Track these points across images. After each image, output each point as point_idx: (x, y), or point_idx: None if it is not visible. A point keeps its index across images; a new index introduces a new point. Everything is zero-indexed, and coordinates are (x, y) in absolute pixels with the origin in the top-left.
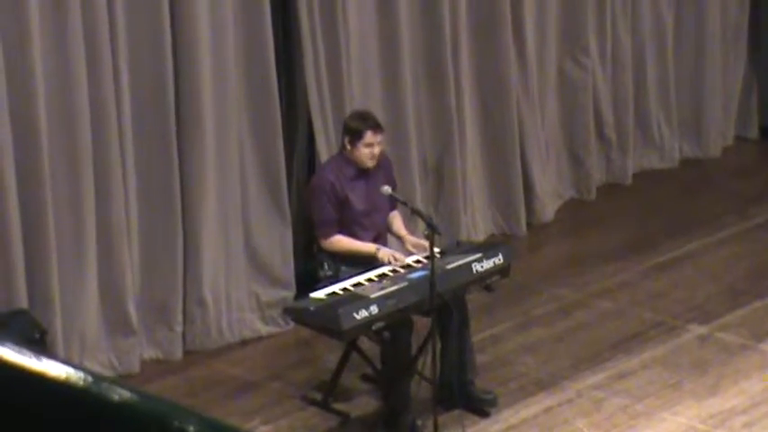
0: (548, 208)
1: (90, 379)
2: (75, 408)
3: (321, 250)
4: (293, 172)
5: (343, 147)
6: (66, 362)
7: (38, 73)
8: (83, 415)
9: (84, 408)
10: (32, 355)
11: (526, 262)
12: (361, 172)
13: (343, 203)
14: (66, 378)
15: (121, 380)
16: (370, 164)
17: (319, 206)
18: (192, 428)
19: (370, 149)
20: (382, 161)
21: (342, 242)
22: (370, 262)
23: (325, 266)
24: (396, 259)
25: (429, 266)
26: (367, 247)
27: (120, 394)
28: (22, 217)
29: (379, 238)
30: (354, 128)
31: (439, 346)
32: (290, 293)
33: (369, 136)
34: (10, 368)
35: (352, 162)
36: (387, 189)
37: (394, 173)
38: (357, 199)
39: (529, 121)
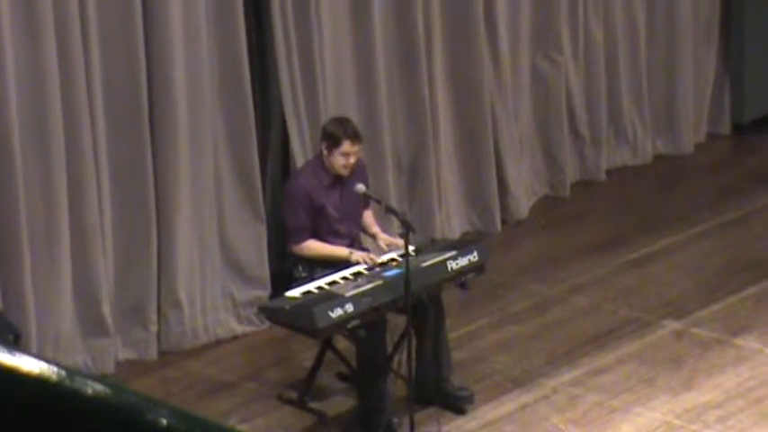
0: (522, 205)
1: (63, 373)
2: (49, 402)
3: (294, 255)
4: (268, 171)
5: (321, 151)
6: (40, 357)
7: (10, 75)
8: (56, 409)
9: (57, 402)
10: (6, 351)
11: (501, 259)
12: (336, 179)
13: (318, 212)
14: (40, 372)
15: None
16: (343, 172)
17: (292, 213)
18: (164, 421)
19: (345, 158)
20: (357, 166)
21: (314, 247)
22: (346, 265)
23: (300, 267)
24: (370, 260)
25: (404, 264)
26: (339, 251)
27: (93, 388)
28: None
29: (353, 245)
30: (332, 134)
31: (414, 343)
32: (265, 293)
33: (347, 145)
34: None
35: (328, 168)
36: (360, 187)
37: (368, 177)
38: (332, 207)
39: (502, 119)
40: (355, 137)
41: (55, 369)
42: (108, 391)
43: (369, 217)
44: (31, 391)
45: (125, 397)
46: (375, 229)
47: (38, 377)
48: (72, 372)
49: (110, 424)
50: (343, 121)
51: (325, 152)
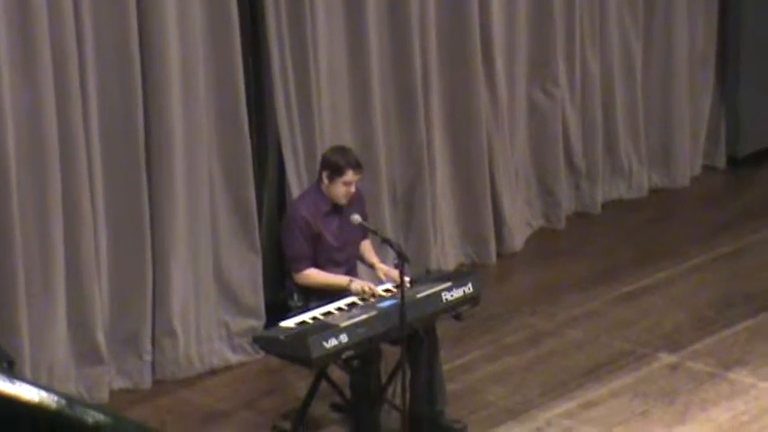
0: (517, 237)
1: (63, 402)
2: (50, 430)
3: (293, 284)
4: (263, 201)
5: (319, 180)
6: (40, 385)
7: (6, 106)
8: None
9: (58, 430)
10: (6, 379)
11: (496, 291)
12: (335, 207)
13: (316, 239)
14: (40, 401)
15: None
16: (343, 201)
17: (292, 240)
18: None
19: (347, 188)
20: (356, 195)
21: (315, 276)
22: (341, 295)
23: (295, 297)
24: (369, 290)
25: (399, 295)
26: (340, 279)
27: (93, 416)
28: None
29: (350, 273)
30: (335, 163)
31: (409, 374)
32: (259, 322)
33: (349, 175)
34: None
35: (326, 197)
36: (356, 218)
37: (366, 206)
38: (330, 234)
39: (499, 151)
40: (357, 166)
41: (55, 397)
42: (108, 419)
43: (367, 246)
44: (31, 419)
45: (125, 426)
46: (373, 259)
47: (38, 406)
48: (72, 400)
49: None
50: (344, 151)
51: (325, 181)
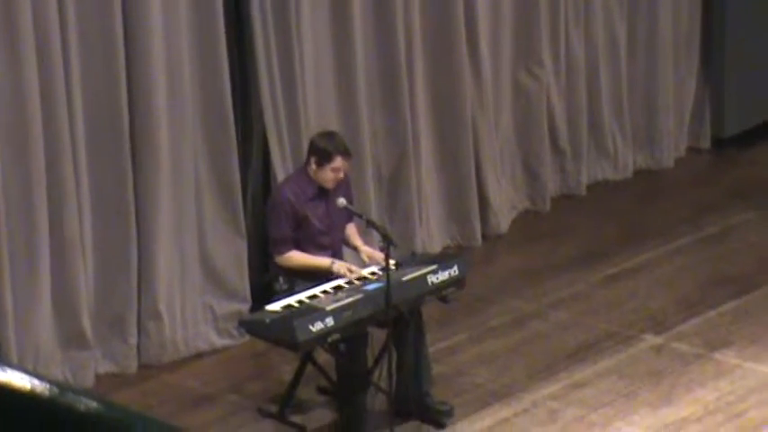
0: (503, 219)
1: (55, 389)
2: (41, 418)
3: (277, 266)
4: (248, 185)
5: (306, 164)
6: (31, 372)
7: None
8: (49, 425)
9: (49, 418)
10: None
11: (481, 273)
12: (321, 191)
13: (301, 222)
14: (32, 388)
15: None
16: (330, 186)
17: (276, 223)
18: None
19: (335, 174)
20: (342, 180)
21: (296, 258)
22: (325, 277)
23: (281, 280)
24: (351, 271)
25: (384, 278)
26: (322, 261)
27: (85, 404)
28: None
29: (335, 257)
30: (324, 149)
31: (395, 357)
32: (245, 306)
33: (338, 161)
34: None
35: (313, 180)
36: (342, 201)
37: (352, 188)
38: (316, 218)
39: (483, 133)
40: (346, 152)
41: (47, 384)
42: (100, 406)
43: (351, 230)
44: (22, 407)
45: (117, 413)
46: (357, 242)
47: (29, 393)
48: (64, 387)
49: None
50: (333, 136)
51: (314, 166)
